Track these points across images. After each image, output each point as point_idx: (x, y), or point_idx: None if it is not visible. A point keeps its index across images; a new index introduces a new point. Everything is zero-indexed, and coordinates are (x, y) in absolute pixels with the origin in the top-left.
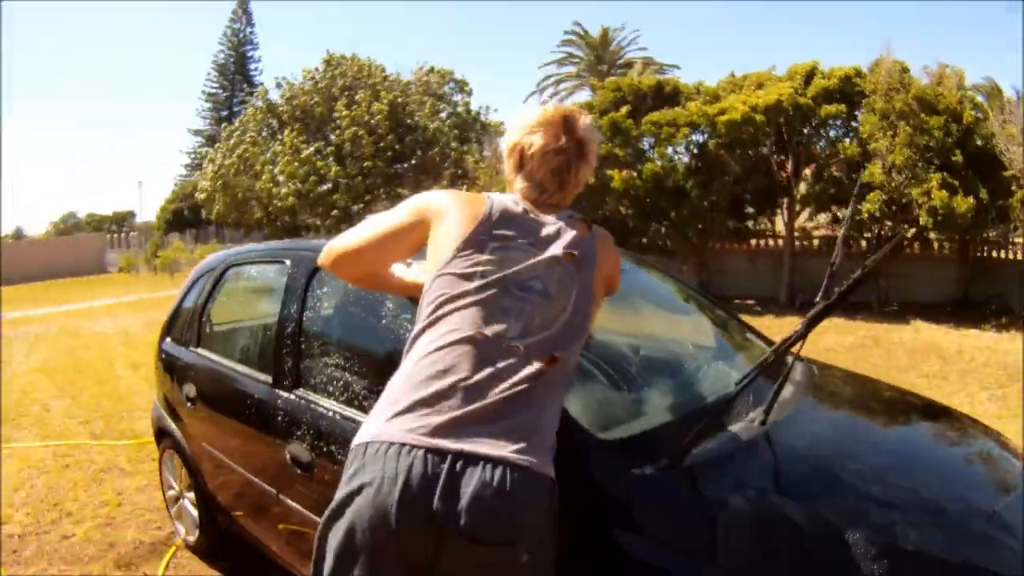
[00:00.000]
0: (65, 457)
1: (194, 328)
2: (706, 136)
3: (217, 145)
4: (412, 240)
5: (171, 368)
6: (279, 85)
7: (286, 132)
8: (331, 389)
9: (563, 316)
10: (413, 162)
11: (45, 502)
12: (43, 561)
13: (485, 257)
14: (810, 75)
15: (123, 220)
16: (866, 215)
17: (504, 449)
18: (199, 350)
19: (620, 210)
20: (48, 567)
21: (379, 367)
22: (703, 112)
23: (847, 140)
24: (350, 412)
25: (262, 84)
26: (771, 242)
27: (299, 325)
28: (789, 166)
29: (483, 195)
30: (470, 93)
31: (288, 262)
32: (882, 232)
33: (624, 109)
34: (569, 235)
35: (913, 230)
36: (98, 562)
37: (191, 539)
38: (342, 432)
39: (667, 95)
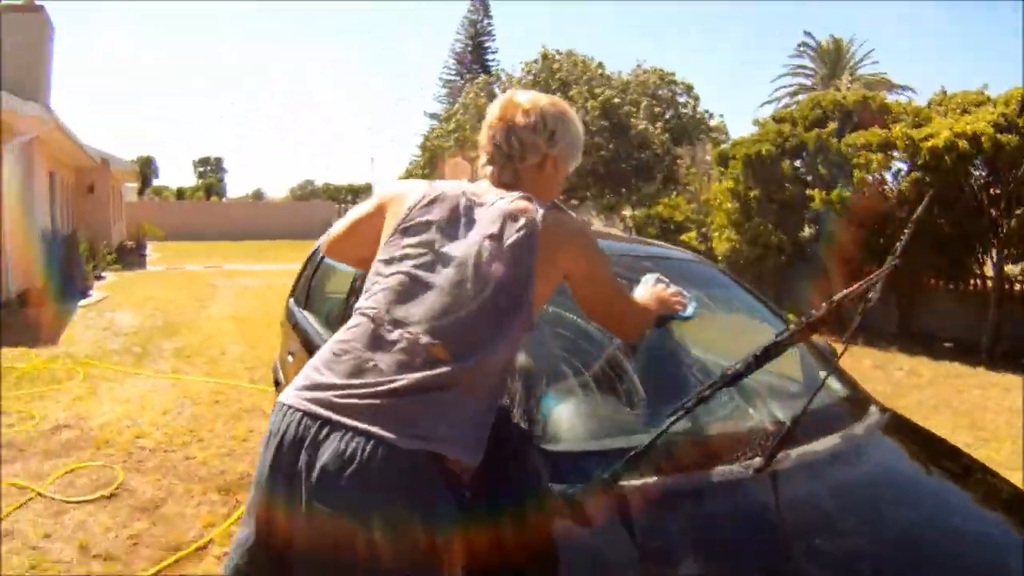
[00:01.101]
0: (219, 394)
1: (304, 291)
2: (908, 163)
3: (436, 124)
4: (374, 229)
5: (287, 324)
6: (497, 77)
7: None
8: None
9: (474, 304)
10: (624, 165)
11: (184, 427)
12: (159, 473)
13: (406, 241)
14: None
15: (358, 192)
16: None
17: (373, 424)
18: (304, 312)
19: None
20: (161, 479)
21: None
22: (906, 136)
23: None
24: None
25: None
26: (978, 283)
27: (359, 298)
28: (1001, 204)
29: (431, 182)
30: (696, 98)
31: None
32: None
33: (831, 126)
34: (501, 219)
35: None
36: (204, 484)
37: None
38: None
39: (874, 113)
